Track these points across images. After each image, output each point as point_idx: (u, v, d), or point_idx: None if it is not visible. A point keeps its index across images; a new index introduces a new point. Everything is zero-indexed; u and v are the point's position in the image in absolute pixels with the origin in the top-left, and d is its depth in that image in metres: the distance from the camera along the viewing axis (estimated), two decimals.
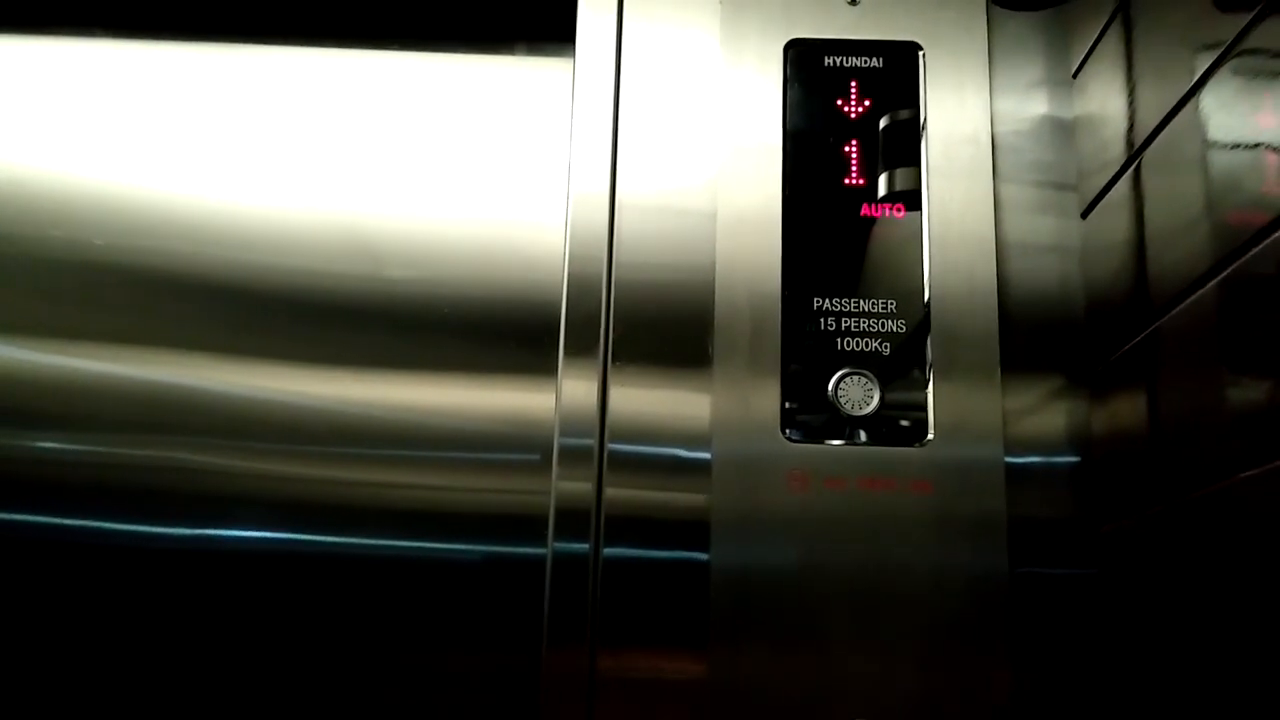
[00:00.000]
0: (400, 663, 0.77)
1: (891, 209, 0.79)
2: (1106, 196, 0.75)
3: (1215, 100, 0.61)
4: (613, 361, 0.77)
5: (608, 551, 0.75)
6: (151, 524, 0.79)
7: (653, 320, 0.78)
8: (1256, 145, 0.57)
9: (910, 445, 0.75)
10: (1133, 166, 0.71)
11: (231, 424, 0.80)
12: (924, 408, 0.76)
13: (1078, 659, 0.74)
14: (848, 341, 0.77)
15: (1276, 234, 0.55)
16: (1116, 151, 0.73)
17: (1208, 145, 0.62)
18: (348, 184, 0.84)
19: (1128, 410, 0.72)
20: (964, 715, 0.70)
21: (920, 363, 0.76)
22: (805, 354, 0.77)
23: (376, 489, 0.79)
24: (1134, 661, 0.70)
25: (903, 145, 0.80)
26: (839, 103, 0.81)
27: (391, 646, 0.77)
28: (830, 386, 0.76)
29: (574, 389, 0.77)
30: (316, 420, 0.80)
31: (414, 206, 0.84)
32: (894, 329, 0.77)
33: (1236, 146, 0.59)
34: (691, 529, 0.74)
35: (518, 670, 0.75)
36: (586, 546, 0.75)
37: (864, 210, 0.79)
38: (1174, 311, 0.65)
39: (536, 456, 0.78)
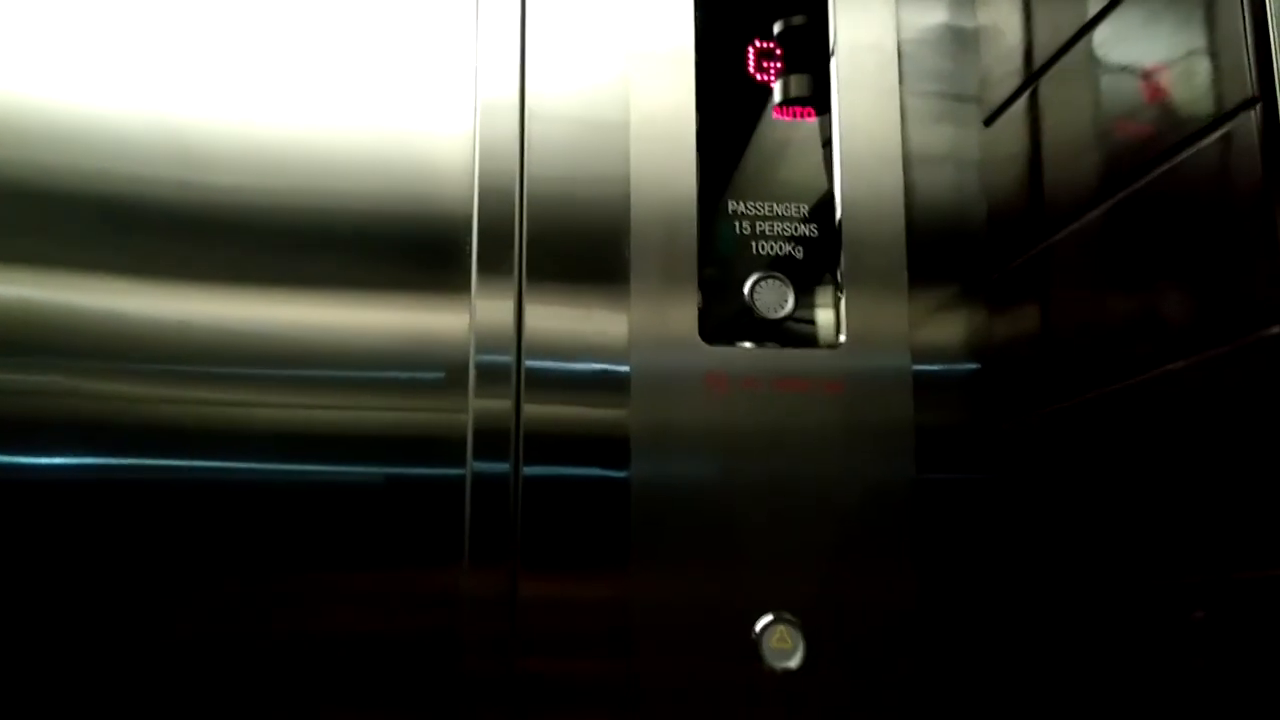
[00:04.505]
0: (319, 588, 0.74)
1: (802, 112, 0.80)
2: (1011, 106, 0.77)
3: (1119, 17, 0.63)
4: (527, 276, 0.76)
5: (528, 470, 0.74)
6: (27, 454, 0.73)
7: (567, 232, 0.76)
8: (1153, 64, 0.58)
9: (822, 348, 0.76)
10: (1037, 82, 0.73)
11: (119, 345, 0.74)
12: (835, 312, 0.77)
13: (978, 560, 0.77)
14: (763, 245, 0.78)
15: (1168, 150, 0.57)
16: (1020, 61, 0.75)
17: (1105, 66, 0.63)
18: (243, 89, 0.76)
19: (1025, 317, 0.75)
20: (872, 614, 0.74)
21: (831, 267, 0.78)
22: (721, 258, 0.77)
23: (284, 410, 0.75)
24: (1029, 558, 0.73)
25: (811, 49, 0.81)
26: (750, 6, 0.81)
27: (309, 572, 0.74)
28: (747, 290, 0.77)
29: (488, 306, 0.75)
30: (217, 341, 0.75)
31: (316, 115, 0.78)
32: (806, 233, 0.78)
33: (1133, 67, 0.61)
34: (611, 444, 0.74)
35: (439, 593, 0.73)
36: (506, 466, 0.74)
37: (775, 114, 0.80)
38: (1071, 224, 0.67)
39: (445, 375, 0.76)
